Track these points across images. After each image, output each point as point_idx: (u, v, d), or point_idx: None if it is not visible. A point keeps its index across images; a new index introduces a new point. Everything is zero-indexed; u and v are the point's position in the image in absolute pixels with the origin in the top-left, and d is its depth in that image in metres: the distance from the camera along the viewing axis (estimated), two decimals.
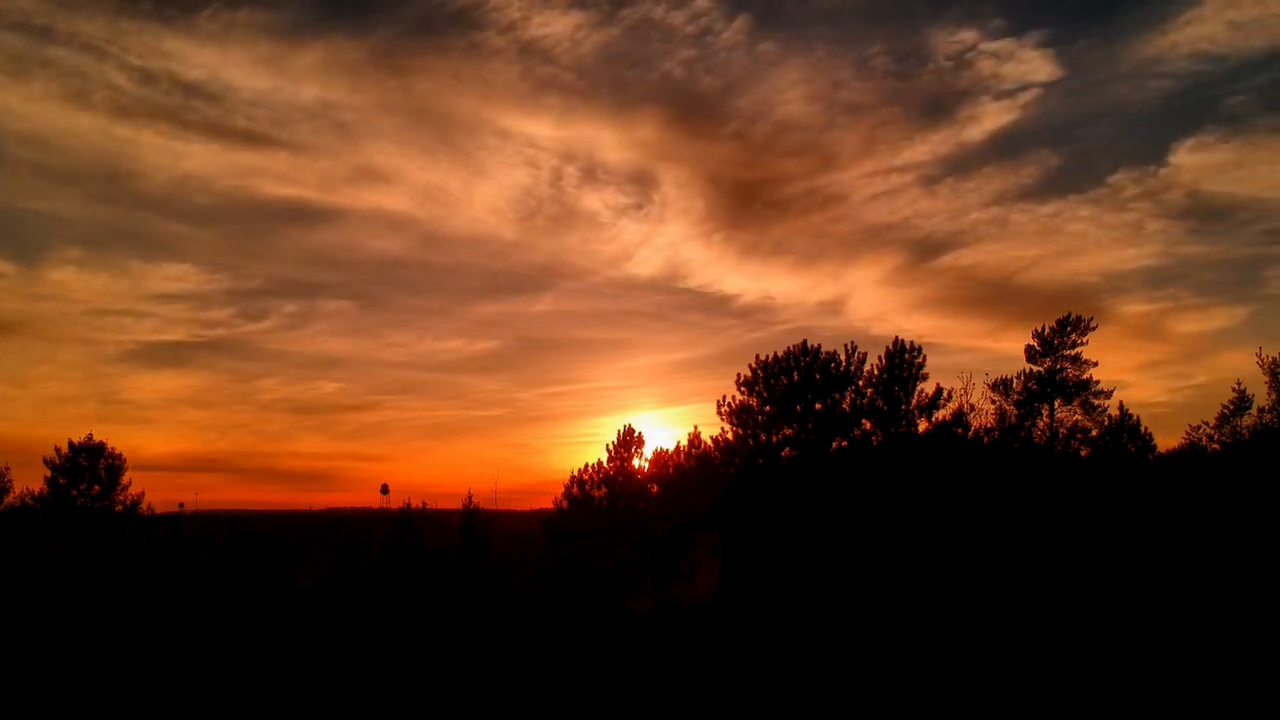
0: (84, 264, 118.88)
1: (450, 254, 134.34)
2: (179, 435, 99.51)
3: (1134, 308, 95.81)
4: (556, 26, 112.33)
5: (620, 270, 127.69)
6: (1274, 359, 26.16)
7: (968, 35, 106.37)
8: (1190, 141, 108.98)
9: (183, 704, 16.33)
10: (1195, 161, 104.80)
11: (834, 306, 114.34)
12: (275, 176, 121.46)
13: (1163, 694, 15.09)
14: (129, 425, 79.65)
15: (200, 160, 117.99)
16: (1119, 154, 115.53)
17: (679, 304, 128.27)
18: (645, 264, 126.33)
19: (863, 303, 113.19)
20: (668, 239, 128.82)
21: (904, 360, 28.90)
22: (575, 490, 30.84)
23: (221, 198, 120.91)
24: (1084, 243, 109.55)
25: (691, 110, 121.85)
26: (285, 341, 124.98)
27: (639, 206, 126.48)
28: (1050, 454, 28.15)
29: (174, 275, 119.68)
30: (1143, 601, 20.77)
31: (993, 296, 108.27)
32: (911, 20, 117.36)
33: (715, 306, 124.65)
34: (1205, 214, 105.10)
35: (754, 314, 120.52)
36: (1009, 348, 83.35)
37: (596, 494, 30.68)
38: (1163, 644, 17.92)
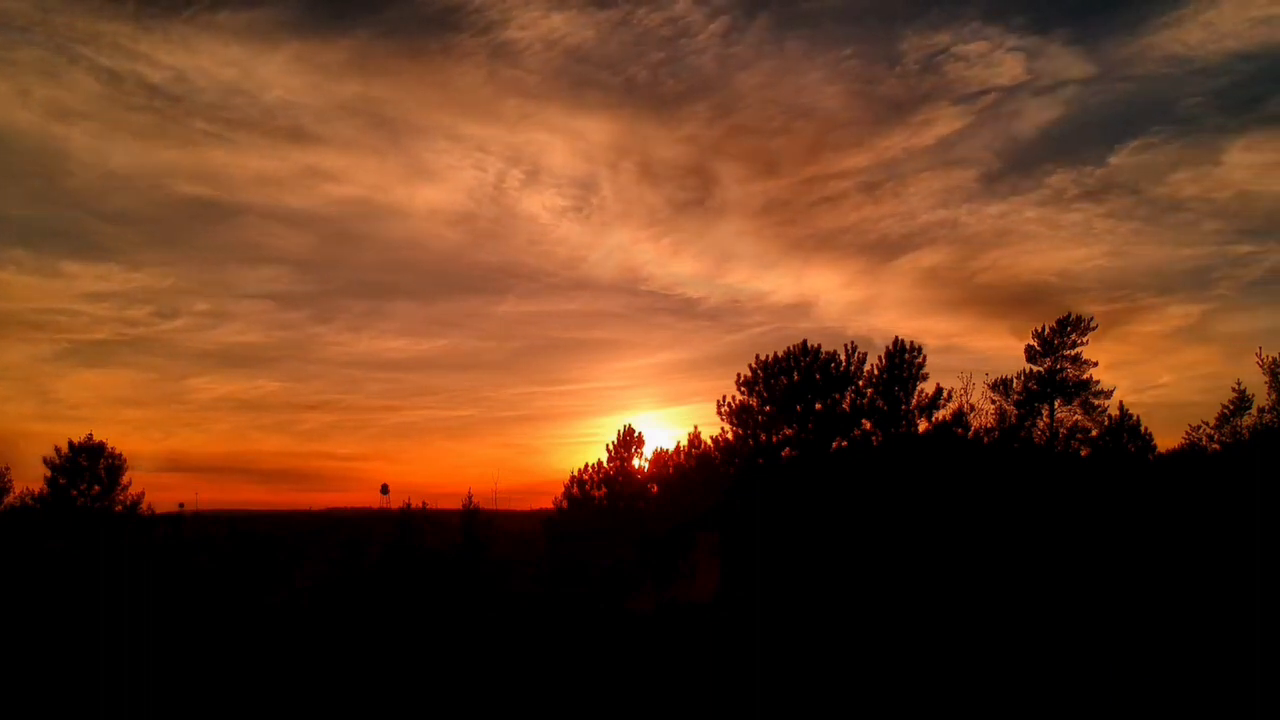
0: (22, 264, 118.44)
1: (395, 253, 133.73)
2: (118, 434, 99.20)
3: (1093, 308, 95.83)
4: (536, 29, 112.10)
5: (578, 271, 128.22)
6: (1274, 359, 26.19)
7: (942, 38, 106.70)
8: (1134, 142, 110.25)
9: (183, 704, 16.34)
10: (1139, 161, 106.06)
11: (802, 309, 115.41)
12: (195, 175, 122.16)
13: (1163, 693, 15.09)
14: (65, 425, 79.17)
15: (135, 160, 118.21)
16: (1064, 155, 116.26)
17: (648, 307, 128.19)
18: (599, 266, 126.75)
19: (831, 304, 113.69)
20: (616, 241, 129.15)
21: (904, 360, 28.91)
22: (575, 490, 30.84)
23: (142, 196, 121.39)
24: (1038, 244, 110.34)
25: (647, 115, 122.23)
26: (202, 340, 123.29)
27: (579, 209, 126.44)
28: (1050, 454, 28.15)
29: (102, 274, 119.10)
30: (1143, 601, 20.77)
31: (959, 298, 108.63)
32: (891, 22, 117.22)
33: (683, 310, 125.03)
34: (1154, 214, 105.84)
35: (723, 316, 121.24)
36: (983, 347, 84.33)
37: (596, 494, 30.68)
38: (1163, 644, 17.93)
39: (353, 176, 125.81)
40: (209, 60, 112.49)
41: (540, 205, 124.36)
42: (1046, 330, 29.17)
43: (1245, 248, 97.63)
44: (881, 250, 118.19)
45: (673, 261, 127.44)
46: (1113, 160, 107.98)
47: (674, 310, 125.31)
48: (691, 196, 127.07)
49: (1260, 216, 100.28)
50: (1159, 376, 76.05)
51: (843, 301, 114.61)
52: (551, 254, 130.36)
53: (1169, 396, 68.91)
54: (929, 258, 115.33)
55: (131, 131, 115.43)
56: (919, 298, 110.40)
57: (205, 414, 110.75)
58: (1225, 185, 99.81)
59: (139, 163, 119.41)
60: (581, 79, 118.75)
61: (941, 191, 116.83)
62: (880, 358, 29.17)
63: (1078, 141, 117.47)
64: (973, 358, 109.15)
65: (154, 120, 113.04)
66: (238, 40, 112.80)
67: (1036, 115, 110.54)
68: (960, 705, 15.11)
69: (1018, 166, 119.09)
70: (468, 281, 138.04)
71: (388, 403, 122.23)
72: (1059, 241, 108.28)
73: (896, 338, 29.21)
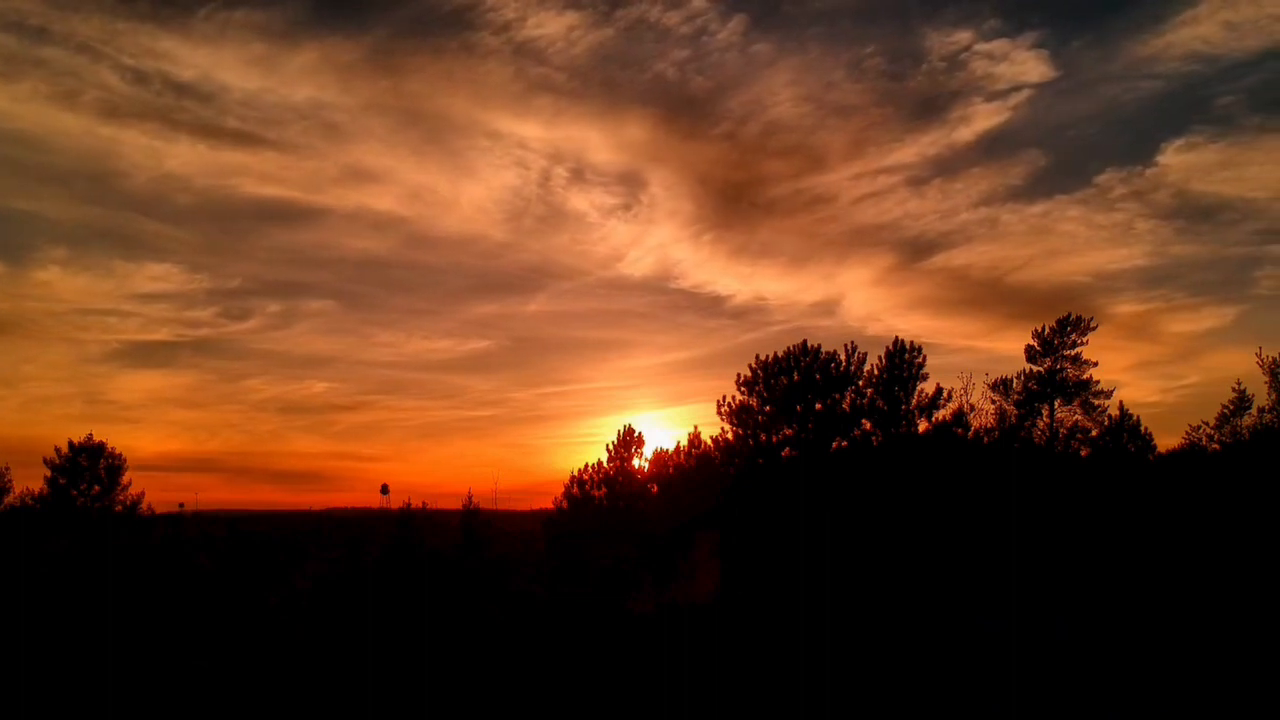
0: (69, 264, 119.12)
1: (439, 254, 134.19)
2: (168, 435, 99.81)
3: (1126, 308, 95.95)
4: (552, 27, 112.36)
5: (612, 270, 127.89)
6: (1274, 359, 26.22)
7: (963, 36, 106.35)
8: (1179, 141, 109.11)
9: (184, 705, 16.34)
10: (1184, 161, 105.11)
11: (828, 307, 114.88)
12: (261, 176, 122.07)
13: (1163, 693, 15.09)
14: (116, 425, 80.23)
15: (187, 160, 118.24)
16: (1107, 154, 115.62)
17: (674, 305, 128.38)
18: (637, 264, 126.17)
19: (856, 303, 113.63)
20: (658, 239, 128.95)
21: (904, 360, 28.91)
22: (575, 490, 30.81)
23: (203, 196, 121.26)
24: (1074, 243, 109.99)
25: (682, 111, 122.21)
26: (271, 341, 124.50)
27: (627, 207, 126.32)
28: (1050, 454, 28.16)
29: (158, 275, 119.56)
30: (1142, 601, 20.77)
31: (986, 297, 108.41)
32: (907, 21, 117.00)
33: (709, 307, 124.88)
34: (1194, 214, 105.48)
35: (748, 314, 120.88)
36: (1003, 348, 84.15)
37: (596, 494, 30.65)
38: (1163, 643, 17.92)
39: (396, 175, 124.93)
40: (234, 59, 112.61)
41: (589, 203, 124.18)
42: (1046, 330, 29.19)
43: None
44: (915, 249, 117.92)
45: (710, 259, 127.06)
46: (1160, 159, 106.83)
47: (700, 309, 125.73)
48: (730, 192, 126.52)
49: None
50: (1187, 376, 76.00)
51: (868, 300, 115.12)
52: (590, 253, 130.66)
53: (1194, 396, 68.57)
54: (962, 257, 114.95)
55: (164, 130, 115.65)
56: (946, 297, 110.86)
57: (252, 415, 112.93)
58: (1262, 185, 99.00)
59: (176, 162, 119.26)
60: (609, 76, 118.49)
61: (988, 189, 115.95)
62: (880, 358, 29.22)
63: (1120, 139, 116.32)
64: (993, 357, 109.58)
65: (189, 119, 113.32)
66: (260, 38, 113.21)
67: (1071, 111, 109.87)
68: (960, 705, 15.11)
69: (1063, 165, 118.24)
70: (512, 281, 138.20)
71: (421, 404, 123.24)
72: (1098, 241, 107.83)
73: (896, 338, 29.26)
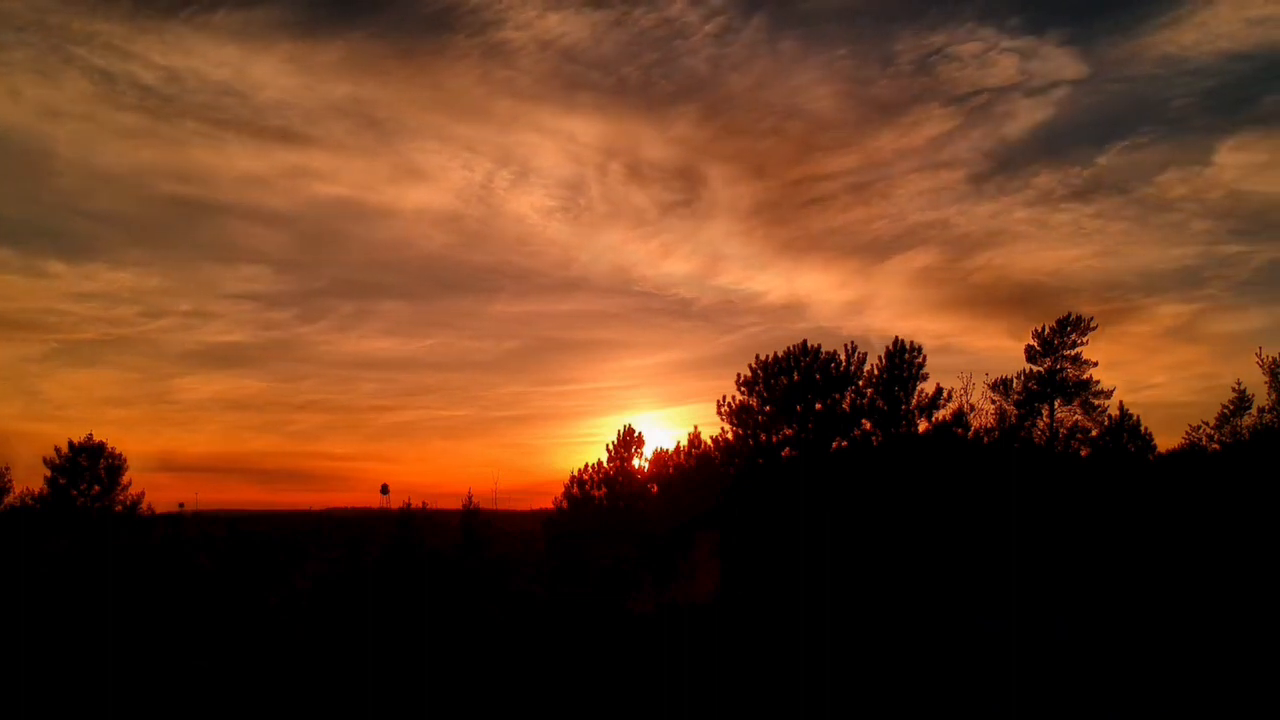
0: (145, 264, 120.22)
1: (386, 253, 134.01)
2: (218, 437, 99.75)
3: (1086, 308, 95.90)
4: (572, 25, 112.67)
5: (572, 271, 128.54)
6: (1274, 359, 26.21)
7: (987, 33, 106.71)
8: (1124, 142, 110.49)
9: (183, 705, 16.34)
10: (1130, 161, 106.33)
11: (797, 309, 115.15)
12: (188, 175, 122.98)
13: (1163, 693, 15.09)
14: (53, 424, 79.99)
15: (250, 160, 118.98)
16: (1054, 155, 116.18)
17: (644, 307, 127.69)
18: (593, 266, 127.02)
19: (890, 303, 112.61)
20: (608, 242, 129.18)
21: (904, 360, 28.91)
22: (575, 490, 30.80)
23: (130, 196, 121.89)
24: (1119, 243, 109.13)
25: (639, 114, 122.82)
26: (191, 342, 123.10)
27: (566, 209, 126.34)
28: (1050, 454, 28.16)
29: (89, 274, 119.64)
30: (1142, 601, 20.77)
31: (1025, 296, 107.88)
32: (926, 19, 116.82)
33: (678, 309, 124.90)
34: (1245, 214, 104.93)
35: (718, 316, 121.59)
36: (980, 345, 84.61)
37: (596, 494, 30.65)
38: (1163, 643, 17.93)
39: (341, 176, 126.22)
40: (263, 56, 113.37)
41: (530, 205, 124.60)
42: (1046, 330, 29.20)
43: (1235, 247, 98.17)
44: (960, 248, 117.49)
45: (755, 255, 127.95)
46: (1102, 160, 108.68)
47: (669, 310, 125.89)
48: (776, 189, 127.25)
49: (1249, 216, 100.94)
50: (1152, 377, 76.27)
51: (837, 302, 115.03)
52: (543, 254, 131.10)
53: (1162, 397, 69.29)
54: (1005, 256, 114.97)
55: (121, 131, 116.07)
56: (983, 297, 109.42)
57: (195, 414, 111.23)
58: (1215, 185, 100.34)
59: (128, 162, 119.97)
60: (645, 72, 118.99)
61: (932, 191, 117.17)
62: (880, 358, 29.22)
63: (1068, 142, 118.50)
64: (967, 358, 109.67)
65: (230, 118, 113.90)
66: (284, 36, 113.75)
67: (1028, 116, 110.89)
68: (960, 705, 15.11)
69: (1008, 166, 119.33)
70: (466, 281, 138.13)
71: (384, 403, 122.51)
72: (1050, 241, 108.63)
73: (896, 338, 29.25)
